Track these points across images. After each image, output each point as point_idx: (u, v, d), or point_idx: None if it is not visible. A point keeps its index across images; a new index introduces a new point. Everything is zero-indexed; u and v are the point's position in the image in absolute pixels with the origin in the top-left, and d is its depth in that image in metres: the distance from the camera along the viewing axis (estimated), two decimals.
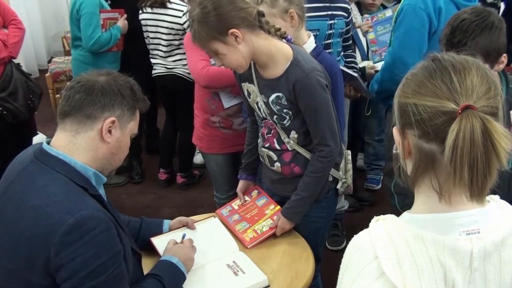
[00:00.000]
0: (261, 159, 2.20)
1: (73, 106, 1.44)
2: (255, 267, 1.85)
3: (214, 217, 2.16)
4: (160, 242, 1.90)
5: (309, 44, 2.28)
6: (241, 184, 2.28)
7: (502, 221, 0.96)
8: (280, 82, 1.91)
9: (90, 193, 1.42)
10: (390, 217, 0.98)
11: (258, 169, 2.30)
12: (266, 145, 2.10)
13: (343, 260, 0.98)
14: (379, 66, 3.16)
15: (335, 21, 2.75)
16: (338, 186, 2.14)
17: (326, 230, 2.23)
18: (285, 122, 1.98)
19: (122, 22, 3.62)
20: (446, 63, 0.94)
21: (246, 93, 2.08)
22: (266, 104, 1.98)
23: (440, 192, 0.93)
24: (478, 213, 0.94)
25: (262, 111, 2.03)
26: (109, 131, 1.46)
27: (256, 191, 2.25)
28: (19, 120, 3.20)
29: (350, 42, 3.03)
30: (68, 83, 1.52)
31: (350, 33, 3.00)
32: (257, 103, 2.04)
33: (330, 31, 2.77)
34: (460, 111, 0.87)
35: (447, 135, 0.87)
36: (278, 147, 2.06)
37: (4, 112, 3.11)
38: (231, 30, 1.78)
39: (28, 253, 1.33)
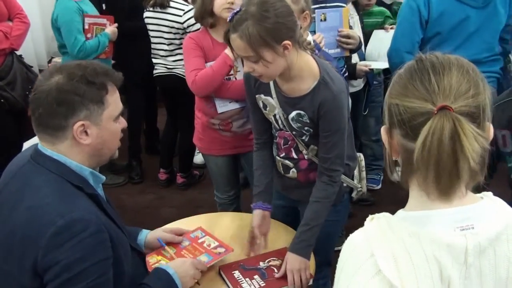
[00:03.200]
0: None
1: (38, 123, 1.41)
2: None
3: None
4: None
5: None
6: (257, 216, 1.99)
7: (496, 217, 0.97)
8: (304, 100, 1.84)
9: (86, 192, 1.40)
10: (384, 215, 0.98)
11: (271, 196, 2.08)
12: (282, 155, 2.04)
13: (339, 259, 0.99)
14: (373, 64, 3.15)
15: None
16: (353, 195, 2.10)
17: (338, 234, 2.19)
18: (304, 137, 1.94)
19: (111, 30, 3.57)
20: (426, 64, 0.95)
21: (261, 105, 2.00)
22: (286, 120, 1.92)
23: (425, 190, 0.94)
24: (471, 209, 0.95)
25: (280, 122, 1.96)
26: (85, 132, 1.40)
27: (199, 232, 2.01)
28: (16, 109, 3.26)
29: None
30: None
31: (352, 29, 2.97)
32: (274, 116, 1.97)
33: None
34: (436, 112, 0.89)
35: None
36: (295, 156, 2.01)
37: (2, 100, 3.18)
38: (285, 41, 1.70)
39: (20, 254, 1.32)
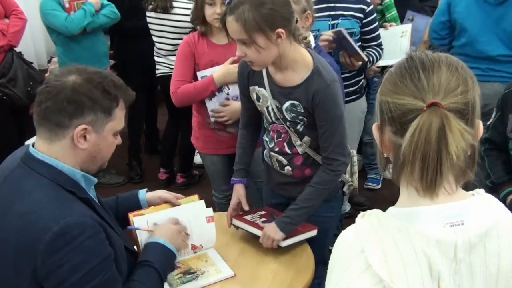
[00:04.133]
0: (267, 160, 2.16)
1: (42, 116, 1.39)
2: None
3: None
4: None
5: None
6: (241, 188, 2.14)
7: (487, 214, 0.98)
8: (297, 90, 1.88)
9: (78, 196, 1.39)
10: (375, 212, 0.99)
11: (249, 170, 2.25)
12: (276, 150, 2.07)
13: (331, 255, 1.00)
14: (380, 62, 3.15)
15: (339, 21, 2.74)
16: (345, 189, 2.14)
17: (333, 231, 2.22)
18: (298, 127, 1.96)
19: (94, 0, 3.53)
20: (416, 61, 0.97)
21: (254, 97, 2.04)
22: (279, 109, 1.95)
23: (416, 186, 0.95)
24: (461, 205, 0.96)
25: (272, 115, 2.00)
26: (84, 137, 1.40)
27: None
28: (18, 105, 3.28)
29: (375, 43, 2.94)
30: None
31: (375, 34, 2.91)
32: (267, 107, 2.00)
33: None
34: (425, 108, 0.90)
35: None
36: (288, 151, 2.03)
37: (4, 97, 3.20)
38: (279, 29, 1.74)
39: (15, 261, 1.32)
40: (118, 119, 1.47)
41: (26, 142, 3.28)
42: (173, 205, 1.88)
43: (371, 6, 2.85)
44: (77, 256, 1.30)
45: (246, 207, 2.12)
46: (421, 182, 0.93)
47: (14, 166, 1.43)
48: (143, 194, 1.87)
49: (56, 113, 1.37)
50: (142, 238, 1.72)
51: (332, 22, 2.76)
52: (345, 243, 0.98)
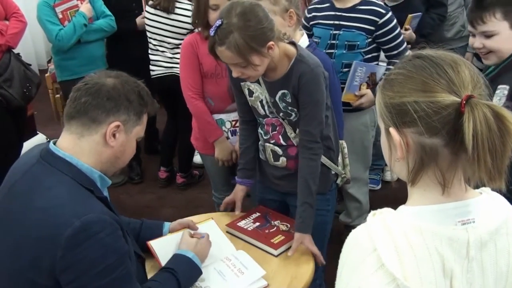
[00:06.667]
0: (261, 155, 2.18)
1: (79, 109, 1.45)
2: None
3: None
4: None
5: (302, 42, 2.28)
6: (240, 190, 2.20)
7: (495, 211, 0.98)
8: (285, 79, 1.93)
9: (96, 195, 1.43)
10: (387, 211, 0.99)
11: (255, 171, 2.25)
12: (272, 141, 2.10)
13: (341, 254, 0.99)
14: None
15: (341, 32, 2.66)
16: (338, 181, 2.18)
17: (330, 225, 2.24)
18: (292, 118, 2.00)
19: (84, 8, 3.50)
20: (436, 59, 0.96)
21: (246, 92, 2.07)
22: (274, 102, 1.99)
23: (444, 184, 0.95)
24: (472, 203, 0.97)
25: (266, 108, 2.03)
26: (114, 135, 1.46)
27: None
28: (13, 106, 3.29)
29: (395, 52, 2.70)
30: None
31: (394, 43, 2.68)
32: (261, 101, 2.03)
33: (333, 42, 2.68)
34: (464, 102, 0.89)
35: (462, 127, 0.88)
36: (283, 143, 2.07)
37: None
38: (269, 43, 1.80)
39: (33, 254, 1.34)
40: (143, 125, 1.56)
41: (25, 143, 3.28)
42: (192, 229, 1.97)
43: (387, 16, 2.62)
44: (97, 251, 1.33)
45: (237, 211, 2.17)
46: (491, 173, 0.90)
47: (32, 162, 1.45)
48: (167, 227, 1.97)
49: (95, 107, 1.44)
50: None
51: (334, 32, 2.67)
52: (357, 242, 0.97)
